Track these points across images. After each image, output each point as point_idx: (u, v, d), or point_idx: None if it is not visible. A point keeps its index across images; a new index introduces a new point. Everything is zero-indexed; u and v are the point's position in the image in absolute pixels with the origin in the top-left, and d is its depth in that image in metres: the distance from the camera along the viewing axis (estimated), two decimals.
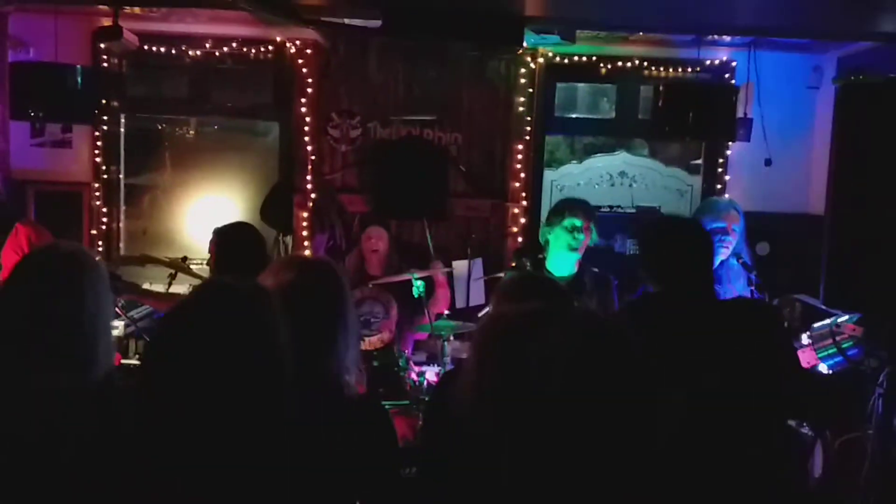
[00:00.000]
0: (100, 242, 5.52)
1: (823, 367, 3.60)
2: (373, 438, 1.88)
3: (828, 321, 3.81)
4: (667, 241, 2.68)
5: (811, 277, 5.07)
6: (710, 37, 4.96)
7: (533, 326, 1.23)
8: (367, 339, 4.09)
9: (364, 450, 1.84)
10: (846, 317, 3.68)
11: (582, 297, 3.60)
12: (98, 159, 5.48)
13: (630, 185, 5.51)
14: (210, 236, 3.29)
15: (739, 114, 4.98)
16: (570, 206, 3.77)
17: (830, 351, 3.61)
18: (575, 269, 3.74)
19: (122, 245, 5.72)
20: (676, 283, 2.55)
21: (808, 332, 3.85)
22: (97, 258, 2.02)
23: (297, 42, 5.25)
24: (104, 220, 5.53)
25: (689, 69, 5.26)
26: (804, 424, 3.64)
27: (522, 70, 5.21)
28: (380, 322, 4.29)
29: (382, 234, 4.81)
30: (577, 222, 3.67)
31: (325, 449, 1.76)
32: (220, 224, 3.33)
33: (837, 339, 3.64)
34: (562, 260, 3.72)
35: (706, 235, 2.78)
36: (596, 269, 3.85)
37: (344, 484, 1.81)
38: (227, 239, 3.25)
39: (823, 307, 4.57)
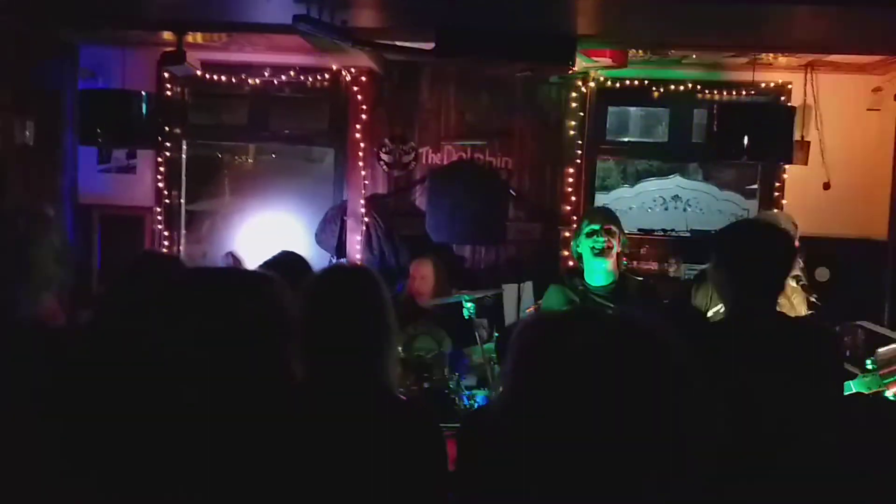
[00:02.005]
0: None
1: (890, 394, 3.46)
2: (425, 440, 1.89)
3: (894, 346, 3.68)
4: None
5: (874, 303, 4.95)
6: (765, 59, 4.91)
7: (569, 324, 1.19)
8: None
9: (417, 452, 1.85)
10: None
11: (625, 305, 3.54)
12: (160, 185, 5.65)
13: (684, 209, 5.44)
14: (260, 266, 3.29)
15: (796, 136, 4.90)
16: (587, 213, 3.80)
17: None
18: (614, 278, 3.69)
19: None
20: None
21: (873, 358, 3.72)
22: None
23: (353, 70, 5.37)
24: (165, 243, 5.69)
25: (744, 92, 5.21)
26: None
27: (574, 94, 5.24)
28: (434, 362, 4.26)
29: (427, 268, 4.80)
30: (595, 226, 3.64)
31: (376, 449, 1.79)
32: (267, 257, 3.34)
33: None
34: (593, 269, 3.68)
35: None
36: (640, 278, 3.80)
37: (387, 489, 1.81)
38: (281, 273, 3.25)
39: (888, 333, 4.43)
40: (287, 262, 3.26)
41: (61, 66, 5.28)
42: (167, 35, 4.82)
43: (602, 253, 3.58)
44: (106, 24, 4.77)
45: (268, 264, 3.22)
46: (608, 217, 3.71)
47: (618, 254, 3.67)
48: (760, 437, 1.79)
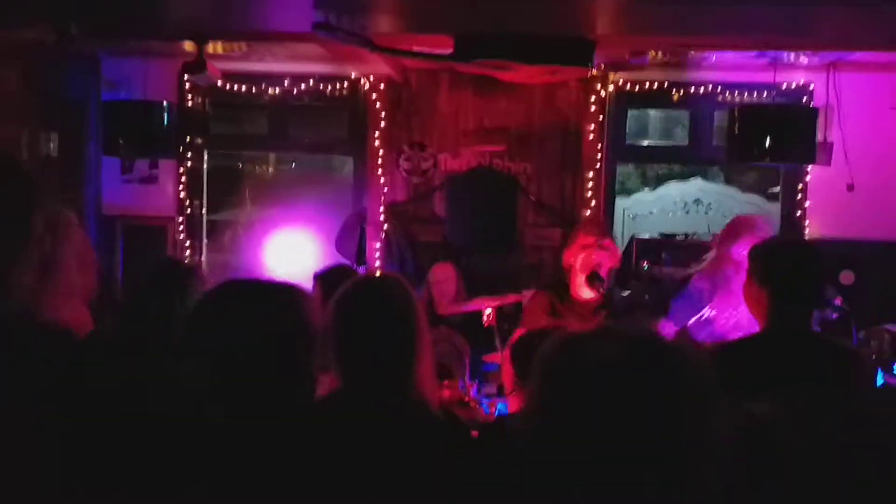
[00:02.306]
0: None
1: None
2: (457, 458, 1.85)
3: None
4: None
5: None
6: (786, 59, 4.87)
7: (593, 340, 1.20)
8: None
9: (449, 471, 1.81)
10: None
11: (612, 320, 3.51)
12: (182, 195, 5.70)
13: (706, 213, 5.39)
14: (311, 281, 3.31)
15: (819, 138, 4.85)
16: (583, 226, 3.79)
17: None
18: (598, 294, 3.64)
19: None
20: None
21: None
22: None
23: (371, 77, 5.40)
24: (187, 253, 5.73)
25: (765, 93, 5.16)
26: None
27: (593, 97, 5.22)
28: (455, 369, 4.26)
29: (447, 274, 4.80)
30: (589, 240, 3.62)
31: (402, 465, 1.76)
32: (317, 269, 3.36)
33: None
34: (583, 283, 3.63)
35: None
36: (626, 293, 3.78)
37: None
38: (331, 284, 3.25)
39: None
40: (336, 274, 3.27)
41: (84, 79, 5.36)
42: (188, 45, 4.86)
43: (595, 268, 3.56)
44: (128, 35, 4.84)
45: (318, 276, 3.25)
46: (604, 232, 3.70)
47: (609, 269, 3.64)
48: (770, 460, 1.78)
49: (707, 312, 3.45)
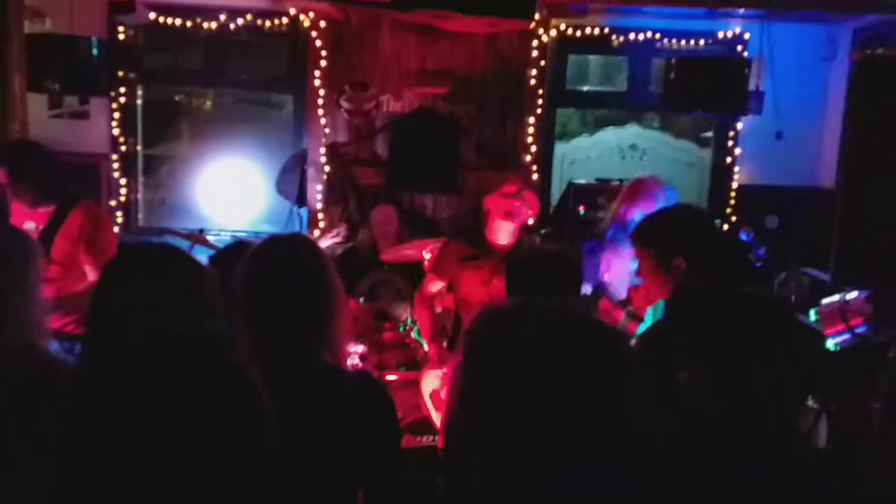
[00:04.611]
0: (119, 213, 5.60)
1: (830, 343, 3.61)
2: (371, 416, 1.82)
3: (836, 298, 3.79)
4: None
5: (820, 251, 5.13)
6: (723, 9, 4.94)
7: (512, 322, 1.20)
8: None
9: (363, 427, 1.79)
10: (855, 293, 3.68)
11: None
12: (115, 131, 5.54)
13: (641, 158, 5.51)
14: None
15: (751, 87, 4.97)
16: (509, 179, 3.85)
17: (839, 328, 3.59)
18: (512, 240, 3.70)
19: (140, 216, 5.81)
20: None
21: (816, 309, 3.87)
22: None
23: (311, 14, 5.26)
24: (123, 190, 5.62)
25: (702, 41, 5.25)
26: (808, 397, 3.66)
27: (534, 42, 5.21)
28: (395, 311, 4.36)
29: (391, 214, 4.84)
30: (513, 189, 3.68)
31: (320, 431, 1.73)
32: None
33: (847, 316, 3.62)
34: (499, 228, 3.67)
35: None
36: (537, 241, 3.90)
37: (343, 466, 1.77)
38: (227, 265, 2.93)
39: (832, 280, 4.61)
40: (231, 254, 2.97)
41: (5, 9, 5.08)
42: None
43: (510, 217, 3.63)
44: None
45: (212, 258, 2.96)
46: (527, 187, 3.81)
47: (524, 220, 3.72)
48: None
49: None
